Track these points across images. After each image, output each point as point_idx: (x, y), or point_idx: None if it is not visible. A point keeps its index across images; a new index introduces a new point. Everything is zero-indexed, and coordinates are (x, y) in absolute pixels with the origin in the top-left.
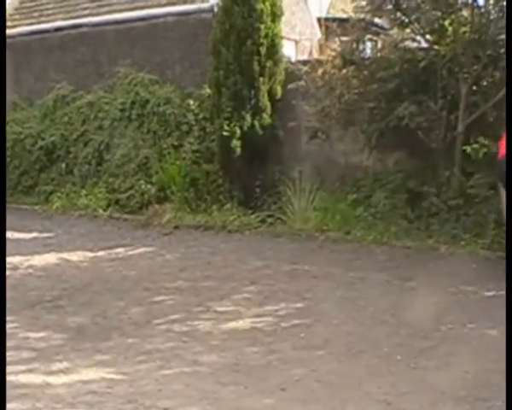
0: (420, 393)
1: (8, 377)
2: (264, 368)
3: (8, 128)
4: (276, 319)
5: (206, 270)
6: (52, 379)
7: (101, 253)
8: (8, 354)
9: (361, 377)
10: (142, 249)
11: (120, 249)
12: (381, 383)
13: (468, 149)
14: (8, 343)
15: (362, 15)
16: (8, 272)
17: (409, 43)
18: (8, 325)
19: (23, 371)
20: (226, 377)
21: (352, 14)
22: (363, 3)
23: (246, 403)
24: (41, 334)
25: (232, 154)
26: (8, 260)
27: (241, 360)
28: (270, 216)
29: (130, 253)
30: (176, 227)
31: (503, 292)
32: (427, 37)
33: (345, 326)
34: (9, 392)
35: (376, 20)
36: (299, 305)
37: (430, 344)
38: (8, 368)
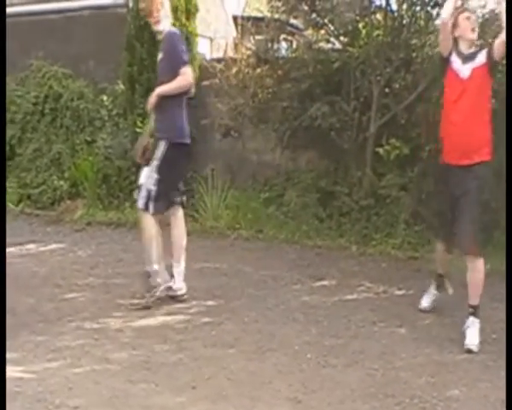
0: (329, 390)
1: None
2: (175, 366)
3: None
4: (186, 316)
5: (118, 267)
6: None
7: (11, 249)
8: None
9: (271, 375)
10: (53, 246)
11: (31, 245)
12: (291, 381)
13: (380, 150)
14: None
15: (277, 15)
16: None
17: (323, 45)
18: None
19: None
20: (137, 374)
21: (268, 14)
22: (279, 4)
23: (156, 401)
24: None
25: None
26: None
27: (152, 358)
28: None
29: (42, 249)
30: (88, 224)
31: (412, 291)
32: (341, 38)
33: (255, 324)
34: None
35: (292, 20)
36: (209, 303)
37: (340, 342)
38: None
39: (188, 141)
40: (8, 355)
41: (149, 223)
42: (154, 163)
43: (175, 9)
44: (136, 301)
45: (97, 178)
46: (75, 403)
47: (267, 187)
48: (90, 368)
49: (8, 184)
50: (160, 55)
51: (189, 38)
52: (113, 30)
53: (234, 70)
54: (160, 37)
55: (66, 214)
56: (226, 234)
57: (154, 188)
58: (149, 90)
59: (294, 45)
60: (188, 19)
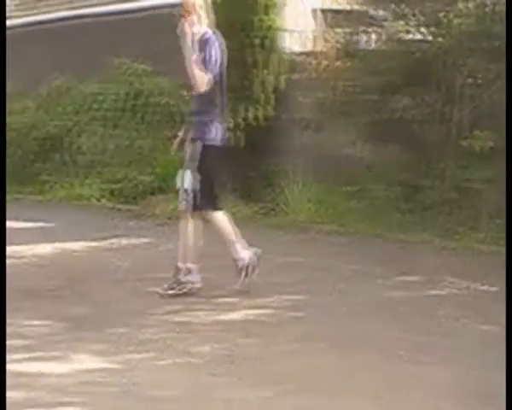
0: (412, 388)
1: (7, 367)
2: (259, 360)
3: None
4: (270, 310)
5: (202, 261)
6: (47, 368)
7: (95, 243)
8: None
9: (354, 371)
10: (136, 240)
11: (114, 240)
12: (374, 377)
13: (464, 142)
14: (7, 331)
15: (358, 7)
16: (8, 261)
17: (404, 36)
18: (8, 314)
19: (20, 360)
20: (219, 368)
21: (348, 6)
22: None
23: (239, 395)
24: (40, 323)
25: (229, 145)
26: (9, 249)
27: (235, 352)
28: (263, 208)
29: (124, 243)
30: (170, 218)
31: (496, 287)
32: (422, 29)
33: (339, 319)
34: (7, 381)
35: (371, 11)
36: (294, 297)
37: (424, 339)
38: (7, 357)
39: (219, 143)
40: (92, 347)
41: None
42: (195, 164)
43: (254, 4)
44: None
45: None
46: (158, 395)
47: (349, 181)
48: (173, 361)
49: (90, 180)
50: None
51: (269, 32)
52: None
53: (314, 63)
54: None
55: (149, 209)
56: (308, 228)
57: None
58: (229, 85)
59: (374, 37)
60: (267, 13)
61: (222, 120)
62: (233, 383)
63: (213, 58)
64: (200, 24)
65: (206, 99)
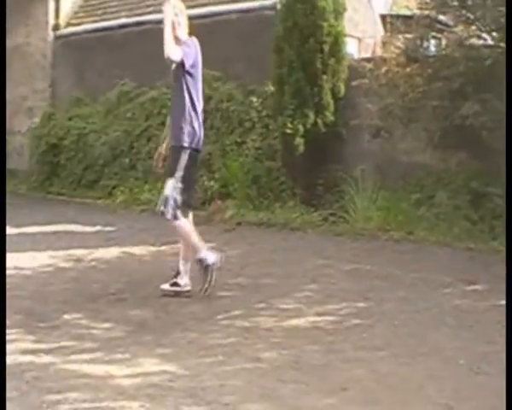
0: (482, 398)
1: (72, 367)
2: (325, 367)
3: (72, 123)
4: (337, 318)
5: (268, 267)
6: (114, 371)
7: (163, 247)
8: (70, 343)
9: (422, 380)
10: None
11: (181, 245)
12: (442, 387)
13: None
14: (72, 334)
15: (426, 12)
16: (71, 264)
17: (474, 41)
18: (71, 316)
19: (86, 362)
20: (287, 374)
21: (417, 11)
22: (428, 0)
23: (306, 402)
24: (104, 325)
25: (295, 151)
26: (72, 252)
27: (302, 359)
28: (332, 215)
29: None
30: (238, 224)
31: None
32: (493, 34)
33: (406, 328)
34: (72, 381)
35: (441, 17)
36: (360, 305)
37: (493, 349)
38: (71, 358)
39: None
40: (160, 351)
41: (183, 226)
42: (178, 174)
43: (323, 10)
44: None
45: (247, 178)
46: (226, 400)
47: (417, 188)
48: (241, 366)
49: (159, 185)
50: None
51: (337, 39)
52: (259, 32)
53: (383, 69)
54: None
55: (217, 214)
56: (376, 235)
57: (179, 197)
58: (298, 91)
59: (444, 43)
60: (336, 19)
61: (197, 124)
62: (300, 389)
63: (188, 51)
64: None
65: (180, 104)
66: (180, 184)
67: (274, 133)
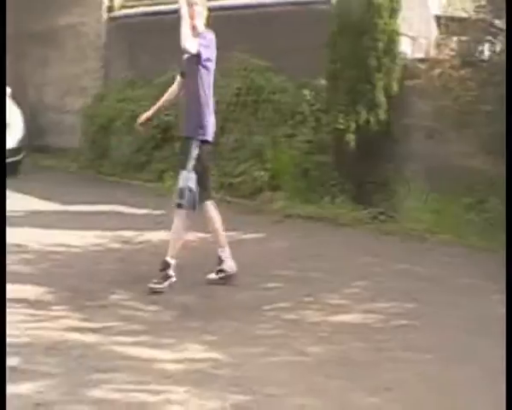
0: None
1: (118, 348)
2: (371, 365)
3: (123, 105)
4: (385, 316)
5: (316, 261)
6: (160, 354)
7: (211, 233)
8: (117, 324)
9: (466, 386)
10: (252, 235)
11: (231, 233)
12: (487, 395)
13: None
14: (119, 314)
15: (482, 15)
16: (119, 245)
17: None
18: (119, 297)
19: (132, 343)
20: (332, 370)
21: (472, 13)
22: (483, 2)
23: (351, 399)
24: (151, 308)
25: (346, 147)
26: (120, 233)
27: (349, 355)
28: (381, 213)
29: (241, 237)
30: (287, 216)
31: None
32: None
33: (452, 332)
34: (118, 362)
35: (496, 21)
36: (408, 305)
37: None
38: (118, 339)
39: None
40: (207, 337)
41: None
42: (190, 164)
43: (378, 7)
44: None
45: (297, 171)
46: (271, 392)
47: (468, 192)
48: (287, 359)
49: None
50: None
51: (391, 37)
52: (313, 26)
53: (437, 71)
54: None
55: (266, 205)
56: (425, 237)
57: (194, 187)
58: (351, 87)
59: (498, 48)
60: (391, 17)
61: (209, 117)
62: (345, 386)
63: (204, 43)
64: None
65: (193, 97)
66: (193, 175)
67: (326, 128)
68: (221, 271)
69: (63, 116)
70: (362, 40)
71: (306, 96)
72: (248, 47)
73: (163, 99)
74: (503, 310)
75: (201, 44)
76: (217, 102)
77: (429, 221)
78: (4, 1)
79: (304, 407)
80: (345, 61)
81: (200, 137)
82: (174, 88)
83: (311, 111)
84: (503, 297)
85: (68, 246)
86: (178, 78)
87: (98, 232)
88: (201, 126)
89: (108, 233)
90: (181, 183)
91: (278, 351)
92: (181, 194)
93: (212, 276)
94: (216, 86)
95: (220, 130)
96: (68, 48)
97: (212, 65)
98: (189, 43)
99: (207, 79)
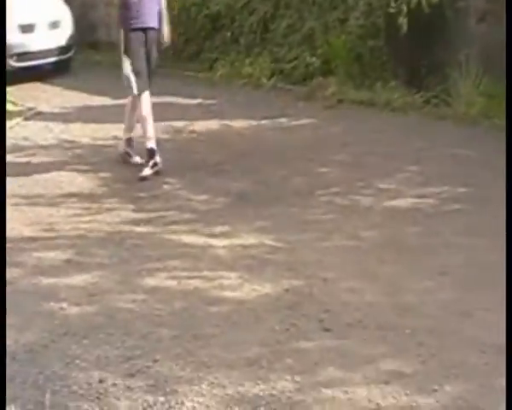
0: None
1: (171, 237)
2: (423, 250)
3: None
4: (437, 201)
5: (369, 146)
6: (213, 241)
7: (263, 121)
8: (169, 213)
9: None
10: (304, 121)
11: (283, 119)
12: None
13: None
14: (172, 204)
15: None
16: (171, 136)
17: None
18: (171, 187)
19: (185, 232)
20: (385, 254)
21: None
22: None
23: (404, 283)
24: (203, 197)
25: (398, 31)
26: (172, 123)
27: (401, 239)
28: (434, 97)
29: (293, 123)
30: (339, 101)
31: None
32: None
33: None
34: (171, 251)
35: None
36: (461, 190)
37: None
38: (170, 228)
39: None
40: (260, 223)
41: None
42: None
43: None
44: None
45: (349, 56)
46: (325, 275)
47: None
48: (341, 244)
49: (261, 59)
50: None
51: None
52: None
53: None
54: None
55: (318, 91)
56: (479, 121)
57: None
58: None
59: None
60: None
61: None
62: (399, 270)
63: None
64: None
65: None
66: (129, 60)
67: (377, 12)
68: (155, 164)
69: (111, 9)
70: None
71: None
72: None
73: None
74: None
75: None
76: None
77: (482, 105)
78: (4, 1)
79: (357, 290)
80: None
81: (131, 27)
82: None
83: None
84: None
85: (119, 139)
86: None
87: None
88: (131, 18)
89: (160, 124)
90: (123, 71)
91: (331, 236)
92: (127, 81)
93: (147, 172)
94: None
95: (271, 16)
96: None
97: None
98: None
99: None
